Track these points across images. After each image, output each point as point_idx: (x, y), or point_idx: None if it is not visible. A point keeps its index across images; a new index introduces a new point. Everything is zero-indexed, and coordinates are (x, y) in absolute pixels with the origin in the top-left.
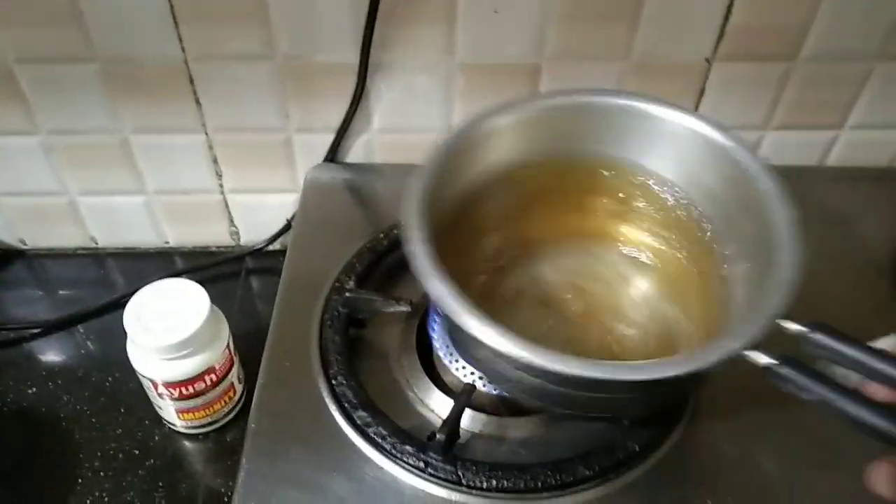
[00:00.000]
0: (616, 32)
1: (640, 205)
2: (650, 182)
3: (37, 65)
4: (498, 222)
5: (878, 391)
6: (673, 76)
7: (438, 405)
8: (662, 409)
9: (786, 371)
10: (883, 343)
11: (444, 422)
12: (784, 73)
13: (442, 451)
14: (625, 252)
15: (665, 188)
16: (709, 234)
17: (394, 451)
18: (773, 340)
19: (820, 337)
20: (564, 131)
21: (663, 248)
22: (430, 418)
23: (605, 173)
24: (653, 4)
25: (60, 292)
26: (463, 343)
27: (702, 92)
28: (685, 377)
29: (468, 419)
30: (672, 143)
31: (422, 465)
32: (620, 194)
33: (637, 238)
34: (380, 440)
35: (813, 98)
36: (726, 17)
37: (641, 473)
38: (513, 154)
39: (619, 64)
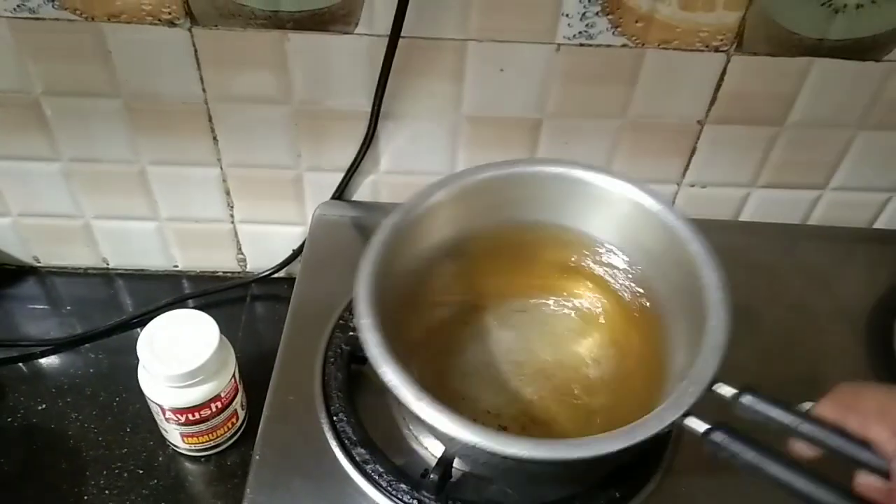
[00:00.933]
0: (614, 93)
1: (587, 267)
2: (597, 249)
3: (63, 98)
4: (451, 290)
5: (803, 450)
6: (666, 135)
7: (432, 443)
8: (611, 473)
9: (719, 438)
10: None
11: (438, 462)
12: (772, 137)
13: (435, 490)
14: (574, 310)
15: (611, 253)
16: (647, 297)
17: (389, 489)
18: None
19: (749, 399)
20: (504, 201)
21: (609, 304)
22: (425, 455)
23: (553, 239)
24: (649, 69)
25: (70, 310)
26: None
27: (693, 151)
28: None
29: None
30: (608, 208)
31: (415, 503)
32: (571, 259)
33: (585, 296)
34: (376, 477)
35: (798, 160)
36: (719, 85)
37: None
38: (458, 226)
39: (616, 122)
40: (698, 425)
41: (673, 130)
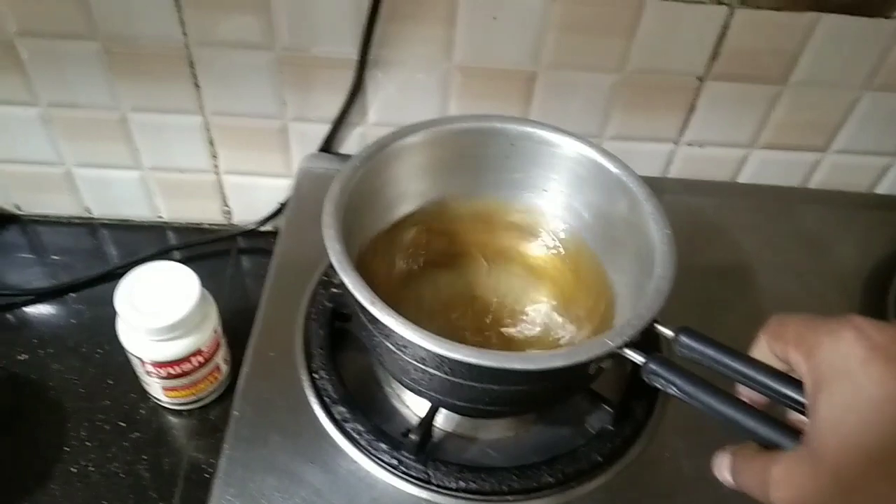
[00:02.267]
0: (612, 45)
1: (541, 232)
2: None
3: (38, 39)
4: (416, 236)
5: (754, 396)
6: (664, 91)
7: (413, 402)
8: (549, 404)
9: (654, 367)
10: None
11: (419, 423)
12: (774, 96)
13: (415, 450)
14: (525, 266)
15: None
16: (598, 254)
17: (369, 448)
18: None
19: (685, 339)
20: (473, 154)
21: (559, 265)
22: (406, 414)
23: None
24: (649, 21)
25: (53, 259)
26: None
27: (692, 108)
28: (568, 369)
29: (442, 418)
30: (570, 169)
31: (395, 462)
32: (525, 222)
33: (537, 255)
34: (356, 436)
35: (800, 120)
36: (720, 39)
37: (603, 483)
38: (426, 175)
39: (613, 76)
40: (638, 357)
41: (671, 87)
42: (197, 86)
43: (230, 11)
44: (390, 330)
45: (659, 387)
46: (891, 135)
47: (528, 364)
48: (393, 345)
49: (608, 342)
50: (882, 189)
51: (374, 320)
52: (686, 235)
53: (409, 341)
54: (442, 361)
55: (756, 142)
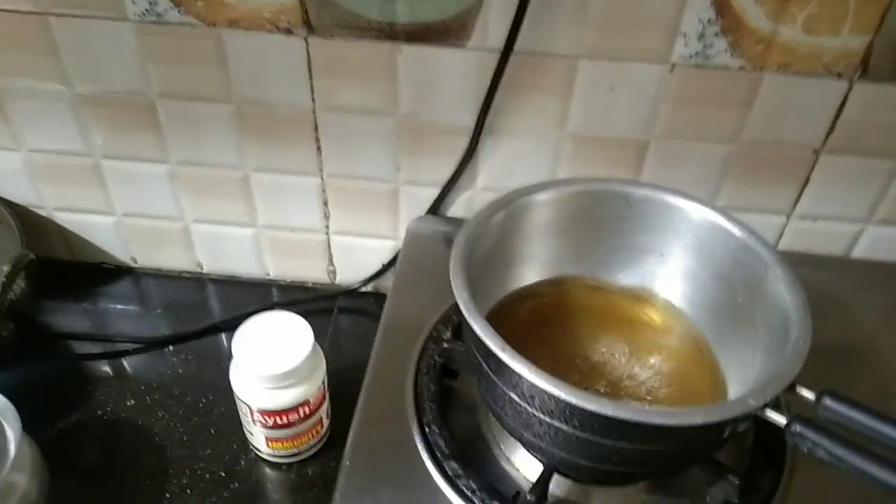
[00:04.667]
0: (726, 117)
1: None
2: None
3: (177, 101)
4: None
5: None
6: (778, 163)
7: (523, 464)
8: (674, 470)
9: (799, 429)
10: None
11: (535, 484)
12: (891, 170)
13: None
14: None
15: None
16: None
17: None
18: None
19: (829, 402)
20: (592, 213)
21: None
22: (515, 476)
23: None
24: (766, 93)
25: (162, 312)
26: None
27: (806, 181)
28: (705, 429)
29: (554, 483)
30: (691, 233)
31: None
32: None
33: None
34: (469, 493)
35: None
36: (838, 113)
37: None
38: (545, 234)
39: (726, 147)
40: (780, 418)
41: (786, 159)
42: (319, 149)
43: (358, 79)
44: (519, 378)
45: (805, 451)
46: None
47: (666, 419)
48: (518, 395)
49: (750, 402)
50: None
51: (501, 368)
52: None
53: (539, 390)
54: (572, 414)
55: (872, 217)
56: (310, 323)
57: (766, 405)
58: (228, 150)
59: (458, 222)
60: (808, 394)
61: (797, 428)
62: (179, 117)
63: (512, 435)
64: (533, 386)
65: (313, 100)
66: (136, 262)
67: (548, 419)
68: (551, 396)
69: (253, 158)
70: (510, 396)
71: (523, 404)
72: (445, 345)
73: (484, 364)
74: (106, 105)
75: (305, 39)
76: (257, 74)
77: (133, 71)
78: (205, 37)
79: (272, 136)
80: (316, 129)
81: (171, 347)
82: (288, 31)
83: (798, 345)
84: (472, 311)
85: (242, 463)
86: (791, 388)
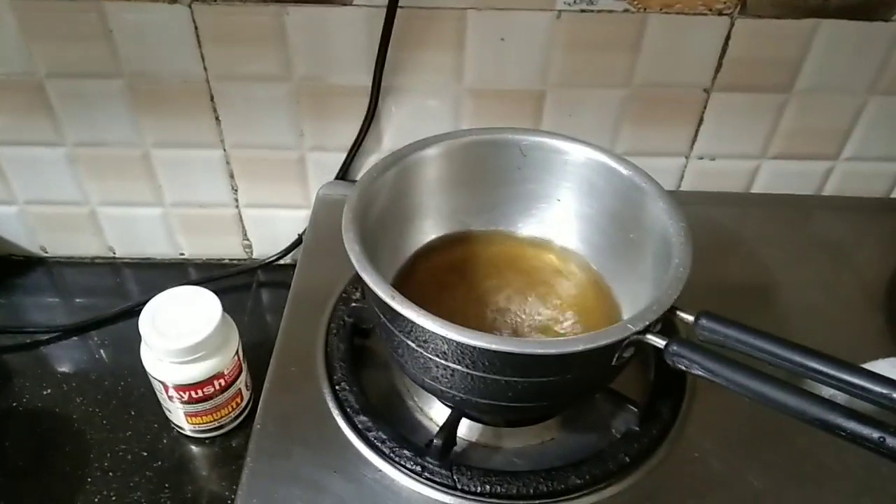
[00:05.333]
0: (617, 61)
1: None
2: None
3: (66, 80)
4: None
5: None
6: (672, 105)
7: (437, 414)
8: (573, 400)
9: (675, 348)
10: (876, 366)
11: (441, 427)
12: (780, 104)
13: (438, 455)
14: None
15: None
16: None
17: (392, 455)
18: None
19: (705, 322)
20: (487, 164)
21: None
22: (429, 426)
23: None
24: (653, 35)
25: (77, 299)
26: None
27: (700, 120)
28: (590, 356)
29: (466, 428)
30: (583, 176)
31: (419, 468)
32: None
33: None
34: (379, 444)
35: (809, 128)
36: (724, 50)
37: (631, 484)
38: (441, 188)
39: (620, 91)
40: (659, 340)
41: (679, 100)
42: (217, 119)
43: (248, 45)
44: (411, 324)
45: (683, 368)
46: None
47: (548, 349)
48: (414, 341)
49: (630, 326)
50: None
51: (395, 317)
52: (703, 247)
53: (430, 333)
54: (463, 353)
55: (767, 152)
56: (229, 299)
57: (647, 329)
58: (124, 127)
59: None
60: (687, 316)
61: (674, 348)
62: (70, 96)
63: (415, 382)
64: (424, 330)
65: (205, 69)
66: (45, 251)
67: (443, 362)
68: (442, 338)
69: (150, 134)
70: (407, 344)
71: (419, 350)
72: (355, 304)
73: (381, 316)
74: None
75: (190, 6)
76: (144, 46)
77: (15, 50)
78: (87, 10)
79: (167, 109)
80: (212, 98)
81: (87, 334)
82: (171, 0)
83: (679, 271)
84: (363, 263)
85: (164, 441)
86: (672, 311)
